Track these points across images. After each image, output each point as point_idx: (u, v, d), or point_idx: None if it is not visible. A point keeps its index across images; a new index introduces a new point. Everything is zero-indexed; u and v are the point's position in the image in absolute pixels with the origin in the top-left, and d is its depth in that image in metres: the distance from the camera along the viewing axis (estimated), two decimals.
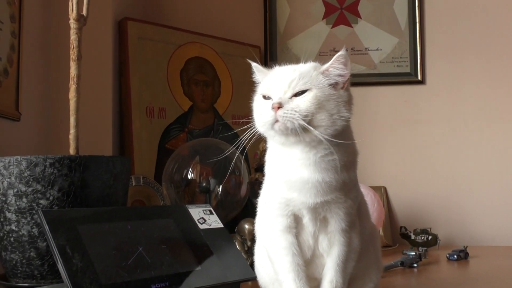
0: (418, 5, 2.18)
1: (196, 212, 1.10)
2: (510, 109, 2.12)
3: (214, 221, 1.11)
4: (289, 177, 0.88)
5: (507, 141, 2.11)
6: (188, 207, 1.10)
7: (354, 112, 0.88)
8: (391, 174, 2.17)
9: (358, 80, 2.20)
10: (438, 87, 2.18)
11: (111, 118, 1.72)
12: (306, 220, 0.91)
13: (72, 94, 1.20)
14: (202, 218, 1.10)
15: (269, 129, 0.87)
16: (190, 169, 1.61)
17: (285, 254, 0.91)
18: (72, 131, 1.20)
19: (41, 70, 1.57)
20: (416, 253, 1.58)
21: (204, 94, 1.99)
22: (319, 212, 0.90)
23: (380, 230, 2.06)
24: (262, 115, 0.88)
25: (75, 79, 1.20)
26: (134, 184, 1.66)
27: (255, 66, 0.97)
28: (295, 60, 2.19)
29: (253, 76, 0.96)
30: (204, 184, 1.61)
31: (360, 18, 2.22)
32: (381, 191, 2.15)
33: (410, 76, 2.19)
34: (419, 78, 2.18)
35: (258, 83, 0.95)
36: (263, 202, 0.97)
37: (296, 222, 0.92)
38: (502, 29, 2.14)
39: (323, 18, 2.23)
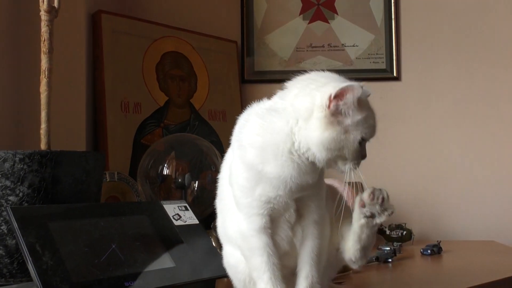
0: (394, 2, 2.20)
1: (171, 208, 1.09)
2: (484, 105, 2.16)
3: (189, 217, 1.10)
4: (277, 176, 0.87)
5: (480, 137, 2.15)
6: (163, 203, 1.09)
7: None
8: (367, 170, 2.16)
9: None
10: (413, 84, 2.20)
11: (85, 113, 1.69)
12: (286, 215, 0.91)
13: (43, 88, 1.17)
14: (177, 214, 1.08)
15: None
16: (165, 165, 1.59)
17: (260, 254, 0.90)
18: (43, 125, 1.18)
19: (12, 63, 1.52)
20: (390, 248, 1.60)
21: (180, 89, 1.97)
22: (297, 206, 0.91)
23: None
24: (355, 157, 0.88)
25: (46, 73, 1.17)
26: (108, 180, 1.64)
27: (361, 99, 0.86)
28: (272, 55, 2.21)
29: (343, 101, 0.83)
30: (179, 180, 1.59)
31: (337, 14, 2.22)
32: (357, 187, 2.16)
33: (386, 73, 2.21)
34: (395, 74, 2.20)
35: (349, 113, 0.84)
36: (228, 203, 0.95)
37: (271, 222, 0.91)
38: (478, 26, 2.17)
39: (300, 14, 2.23)
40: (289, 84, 0.90)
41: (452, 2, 2.19)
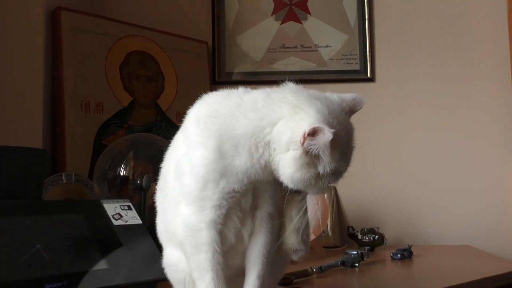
0: (367, 2, 2.16)
1: (112, 208, 1.02)
2: (459, 108, 2.12)
3: (132, 217, 1.03)
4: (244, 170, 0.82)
5: (454, 140, 2.10)
6: (103, 202, 1.02)
7: None
8: None
9: (307, 77, 2.15)
10: (387, 84, 2.16)
11: (41, 112, 1.63)
12: (243, 202, 0.86)
13: None
14: (118, 214, 1.02)
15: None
16: (123, 165, 1.52)
17: (205, 250, 0.84)
18: None
19: None
20: (358, 252, 1.54)
21: (146, 89, 1.91)
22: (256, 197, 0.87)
23: (329, 230, 2.02)
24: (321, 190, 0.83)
25: None
26: (64, 182, 1.57)
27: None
28: (243, 56, 2.16)
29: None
30: (138, 182, 1.52)
31: (310, 14, 2.18)
32: (331, 191, 2.11)
33: (360, 74, 2.16)
34: (369, 75, 2.15)
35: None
36: (171, 194, 0.89)
37: (223, 215, 0.85)
38: (453, 26, 2.14)
39: (272, 14, 2.18)
40: (282, 94, 0.83)
41: (426, 2, 2.15)
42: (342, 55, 2.17)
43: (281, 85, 0.86)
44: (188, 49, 2.07)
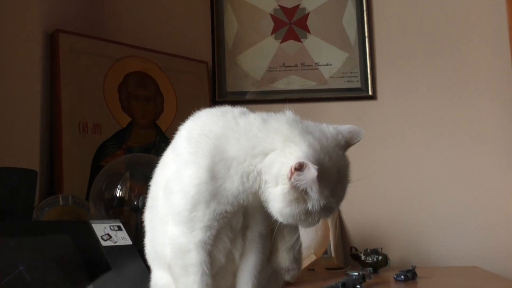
0: (366, 20, 2.15)
1: (101, 228, 1.00)
2: (463, 125, 2.08)
3: (121, 238, 1.01)
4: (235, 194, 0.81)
5: (459, 158, 2.06)
6: (92, 222, 1.00)
7: None
8: None
9: (308, 96, 2.14)
10: (389, 102, 2.14)
11: (39, 133, 1.62)
12: (233, 222, 0.84)
13: None
14: (107, 234, 1.00)
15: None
16: (119, 186, 1.50)
17: (194, 272, 0.81)
18: None
19: None
20: (359, 273, 1.49)
21: (145, 110, 1.90)
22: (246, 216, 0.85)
23: (332, 251, 1.98)
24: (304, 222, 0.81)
25: None
26: (61, 204, 1.56)
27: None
28: (244, 76, 2.16)
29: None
30: (135, 203, 1.50)
31: (309, 33, 2.18)
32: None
33: (361, 91, 2.14)
34: (370, 93, 2.13)
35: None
36: (160, 213, 0.87)
37: (214, 235, 0.83)
38: (454, 43, 2.12)
39: (271, 33, 2.18)
40: (277, 124, 0.81)
41: (425, 18, 2.14)
42: (343, 73, 2.16)
43: (280, 112, 0.85)
44: (188, 69, 2.07)
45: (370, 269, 1.67)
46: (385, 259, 1.79)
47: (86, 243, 0.94)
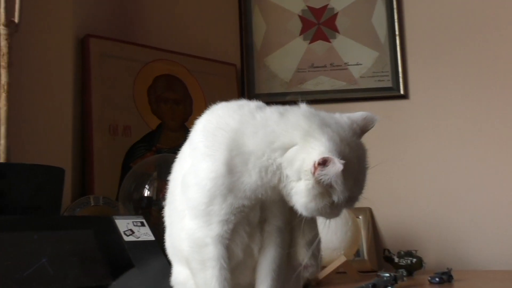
0: (397, 18, 2.11)
1: (124, 224, 1.01)
2: (497, 122, 2.00)
3: (144, 234, 1.01)
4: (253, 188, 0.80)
5: (495, 156, 1.98)
6: (115, 218, 1.01)
7: None
8: (376, 195, 2.01)
9: (338, 96, 2.11)
10: (422, 101, 2.08)
11: (71, 135, 1.66)
12: (250, 216, 0.83)
13: (2, 103, 1.14)
14: (130, 230, 1.00)
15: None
16: (147, 186, 1.52)
17: (212, 266, 0.80)
18: (2, 141, 1.14)
19: None
20: (391, 275, 1.45)
21: (174, 112, 1.92)
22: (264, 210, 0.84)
23: (364, 254, 1.93)
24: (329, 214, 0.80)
25: (5, 87, 1.13)
26: (92, 204, 1.59)
27: None
28: (273, 77, 2.15)
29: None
30: (162, 202, 1.51)
31: (338, 32, 2.15)
32: (366, 213, 2.03)
33: (393, 91, 2.10)
34: (402, 92, 2.08)
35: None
36: (178, 208, 0.87)
37: (231, 230, 0.82)
38: (487, 38, 2.05)
39: (300, 34, 2.17)
40: (294, 118, 0.79)
41: (458, 14, 2.08)
42: (373, 72, 2.12)
43: (294, 106, 0.84)
44: (216, 72, 2.08)
45: (403, 270, 1.62)
46: (420, 261, 1.73)
47: (108, 238, 0.95)
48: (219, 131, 0.82)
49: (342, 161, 0.71)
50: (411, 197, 2.01)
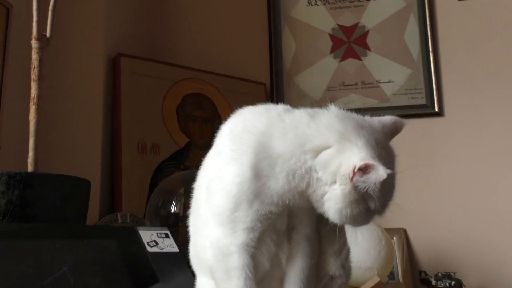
0: (430, 34, 2.06)
1: (148, 235, 0.98)
2: None
3: (168, 245, 0.99)
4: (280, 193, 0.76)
5: None
6: (139, 229, 0.99)
7: None
8: (411, 215, 1.96)
9: (369, 114, 2.06)
10: (458, 119, 2.01)
11: (100, 152, 1.66)
12: (278, 223, 0.78)
13: (32, 115, 1.15)
14: (154, 241, 0.98)
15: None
16: (174, 203, 1.50)
17: (237, 276, 0.76)
18: (30, 153, 1.14)
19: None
20: None
21: (202, 130, 1.91)
22: (291, 217, 0.79)
23: (400, 276, 1.85)
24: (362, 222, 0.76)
25: (35, 100, 1.14)
26: (120, 222, 1.57)
27: None
28: (302, 96, 2.12)
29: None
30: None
31: (370, 50, 2.12)
32: (400, 234, 1.95)
33: (427, 108, 2.04)
34: (437, 109, 2.02)
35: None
36: (203, 216, 0.83)
37: (257, 238, 0.78)
38: None
39: (330, 53, 2.15)
40: (327, 119, 0.76)
41: (494, 31, 2.02)
42: (406, 89, 2.07)
43: (324, 108, 0.81)
44: (245, 90, 2.07)
45: None
46: (459, 284, 1.64)
47: (131, 249, 0.93)
48: (245, 134, 0.78)
49: (388, 171, 0.68)
50: (447, 217, 1.93)
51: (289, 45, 2.17)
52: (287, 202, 0.76)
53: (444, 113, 2.03)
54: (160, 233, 1.00)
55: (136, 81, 1.79)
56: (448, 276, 1.67)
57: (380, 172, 0.68)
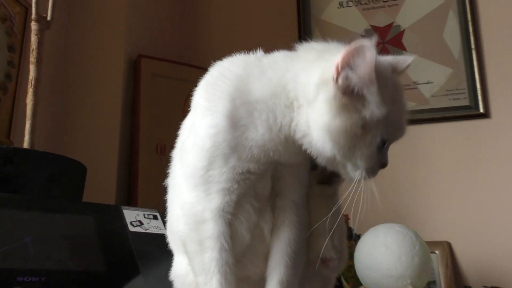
0: (472, 30, 1.91)
1: (133, 215, 0.90)
2: None
3: (154, 226, 0.90)
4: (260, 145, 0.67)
5: None
6: (124, 208, 0.90)
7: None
8: (455, 226, 1.77)
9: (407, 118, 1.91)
10: (506, 120, 1.82)
11: (117, 153, 1.61)
12: (259, 187, 0.68)
13: (29, 98, 1.11)
14: (139, 221, 0.89)
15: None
16: None
17: (211, 247, 0.65)
18: (26, 137, 1.09)
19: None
20: None
21: None
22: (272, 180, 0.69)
23: None
24: (370, 163, 0.64)
25: (33, 82, 1.11)
26: None
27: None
28: None
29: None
30: None
31: (406, 50, 1.99)
32: (444, 247, 1.75)
33: (471, 109, 1.86)
34: (482, 110, 1.84)
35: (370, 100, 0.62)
36: (178, 182, 0.74)
37: (234, 202, 0.68)
38: None
39: None
40: (306, 46, 0.71)
41: None
42: (447, 90, 1.91)
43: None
44: None
45: None
46: None
47: (111, 227, 0.84)
48: (221, 80, 0.70)
49: (374, 40, 0.58)
50: (494, 228, 1.72)
51: None
52: (271, 155, 0.65)
53: (491, 114, 1.85)
54: (147, 214, 0.91)
55: (157, 82, 1.75)
56: None
57: (368, 52, 0.57)
